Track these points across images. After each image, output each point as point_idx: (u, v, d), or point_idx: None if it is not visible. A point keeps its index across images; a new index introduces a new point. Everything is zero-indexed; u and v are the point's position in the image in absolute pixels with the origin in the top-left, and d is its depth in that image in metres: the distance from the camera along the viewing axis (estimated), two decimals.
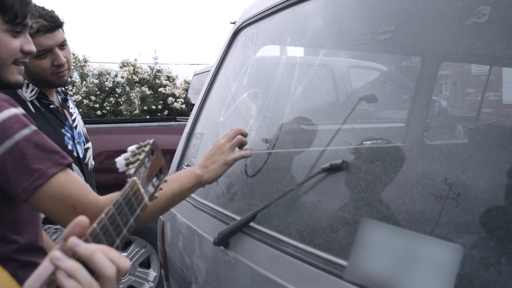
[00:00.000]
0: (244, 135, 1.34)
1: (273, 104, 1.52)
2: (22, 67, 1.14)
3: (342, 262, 0.91)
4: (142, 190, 0.79)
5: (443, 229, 0.87)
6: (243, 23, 1.75)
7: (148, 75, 10.48)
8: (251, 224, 1.19)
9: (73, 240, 0.59)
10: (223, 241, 1.24)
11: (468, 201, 0.87)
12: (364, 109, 1.56)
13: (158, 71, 10.68)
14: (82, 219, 0.62)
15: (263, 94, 1.54)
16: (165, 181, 0.93)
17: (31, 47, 1.14)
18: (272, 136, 1.47)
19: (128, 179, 0.77)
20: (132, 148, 0.85)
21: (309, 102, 1.71)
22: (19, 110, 1.01)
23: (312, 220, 1.04)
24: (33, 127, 1.01)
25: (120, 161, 0.82)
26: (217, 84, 1.81)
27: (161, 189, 0.90)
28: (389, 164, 1.04)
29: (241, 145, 1.34)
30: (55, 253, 0.58)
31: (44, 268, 0.58)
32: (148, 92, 10.10)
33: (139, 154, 0.84)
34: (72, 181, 1.01)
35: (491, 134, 1.40)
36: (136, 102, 10.16)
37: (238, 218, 1.27)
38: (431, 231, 0.87)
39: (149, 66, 10.86)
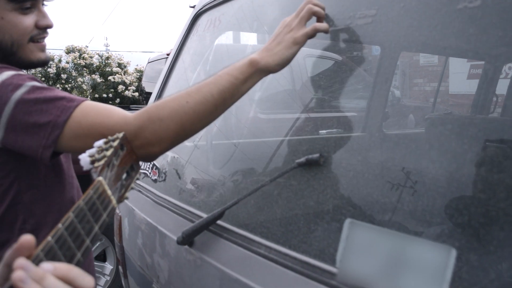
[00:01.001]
0: (320, 6, 1.02)
1: None
2: (43, 43, 1.07)
3: (321, 265, 0.86)
4: (109, 192, 0.69)
5: (417, 221, 0.85)
6: (203, 7, 1.65)
7: (99, 62, 10.13)
8: (219, 222, 1.12)
9: (19, 275, 0.49)
10: (188, 240, 1.16)
11: (427, 190, 0.86)
12: (322, 98, 1.53)
13: (108, 58, 10.32)
14: (26, 238, 0.52)
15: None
16: (138, 179, 0.84)
17: (47, 21, 1.06)
18: (235, 126, 1.40)
19: (93, 178, 0.68)
20: (99, 143, 0.75)
21: (268, 91, 1.66)
22: (12, 72, 0.95)
23: (286, 219, 0.99)
24: (28, 84, 0.93)
25: (84, 158, 0.71)
26: (176, 71, 1.71)
27: (132, 188, 0.81)
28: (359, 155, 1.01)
29: (318, 19, 1.03)
30: (19, 274, 0.49)
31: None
32: (99, 80, 9.75)
33: (106, 150, 0.74)
34: (89, 111, 0.92)
35: (448, 124, 1.41)
36: (88, 91, 9.79)
37: (204, 215, 1.20)
38: (409, 223, 0.85)
39: (97, 53, 10.46)
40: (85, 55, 10.05)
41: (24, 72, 1.00)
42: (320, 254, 0.89)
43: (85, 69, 9.96)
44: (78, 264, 0.58)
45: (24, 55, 1.04)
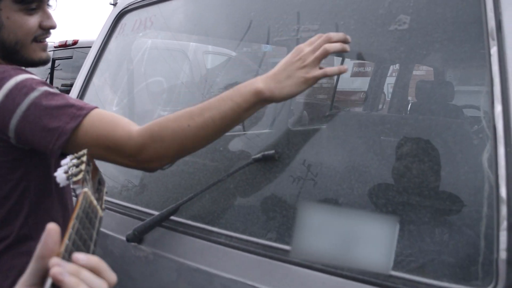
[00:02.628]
0: (342, 40, 0.96)
1: (180, 94, 1.50)
2: (46, 42, 1.10)
3: (277, 245, 0.98)
4: (95, 202, 0.74)
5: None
6: (128, 5, 1.66)
7: None
8: (173, 217, 1.18)
9: (57, 270, 0.52)
10: (139, 237, 1.20)
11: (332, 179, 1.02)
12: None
13: None
14: (53, 227, 0.55)
15: (166, 82, 1.51)
16: (107, 192, 0.87)
17: (51, 22, 1.06)
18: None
19: (78, 192, 0.71)
20: (66, 161, 0.78)
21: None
22: (27, 75, 0.99)
23: (243, 209, 1.09)
24: (41, 88, 0.95)
25: (60, 175, 0.75)
26: (99, 71, 1.68)
27: (105, 200, 0.84)
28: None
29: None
30: (56, 269, 0.52)
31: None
32: None
33: (78, 165, 0.77)
34: (96, 122, 0.95)
35: (348, 120, 1.63)
36: None
37: (150, 212, 1.24)
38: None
39: None
40: None
41: (36, 76, 1.02)
42: (276, 237, 1.01)
43: None
44: None
45: (27, 54, 1.07)
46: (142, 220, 1.22)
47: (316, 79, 0.94)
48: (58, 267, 0.53)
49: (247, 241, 1.02)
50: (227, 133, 1.00)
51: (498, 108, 0.82)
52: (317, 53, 0.93)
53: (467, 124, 0.96)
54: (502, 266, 0.75)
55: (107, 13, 1.79)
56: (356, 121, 1.72)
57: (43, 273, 0.53)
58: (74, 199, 1.19)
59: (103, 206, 0.80)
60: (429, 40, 1.06)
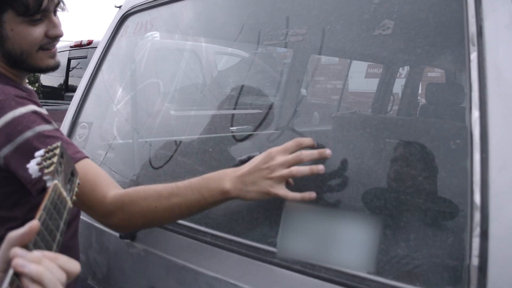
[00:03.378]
0: (316, 158, 0.95)
1: (179, 94, 1.53)
2: (54, 50, 1.13)
3: (263, 246, 1.00)
4: (64, 194, 0.76)
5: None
6: (131, 8, 1.70)
7: None
8: None
9: (18, 262, 0.55)
10: (133, 233, 1.23)
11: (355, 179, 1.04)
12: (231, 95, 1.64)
13: None
14: (35, 224, 0.59)
15: (164, 83, 1.54)
16: (79, 183, 0.90)
17: (57, 31, 1.09)
18: (174, 125, 1.48)
19: (48, 184, 0.74)
20: (40, 153, 0.81)
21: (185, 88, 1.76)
22: (27, 108, 1.01)
23: (230, 210, 1.11)
24: (37, 129, 0.99)
25: (32, 167, 0.77)
26: (104, 72, 1.73)
27: (77, 191, 0.87)
28: None
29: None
30: (17, 260, 0.55)
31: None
32: None
33: (51, 157, 0.80)
34: (80, 175, 0.95)
35: (354, 122, 1.64)
36: None
37: None
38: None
39: None
40: None
41: (38, 108, 1.04)
42: (262, 238, 1.03)
43: None
44: None
45: (33, 62, 1.10)
46: None
47: (277, 196, 0.94)
48: (19, 259, 0.56)
49: (231, 240, 1.05)
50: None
51: (475, 114, 0.82)
52: (285, 172, 0.93)
53: (447, 128, 0.96)
54: (473, 273, 0.76)
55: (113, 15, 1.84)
56: (347, 122, 1.72)
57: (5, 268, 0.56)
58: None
59: (74, 196, 0.83)
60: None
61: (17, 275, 0.54)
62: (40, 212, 0.65)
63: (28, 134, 0.98)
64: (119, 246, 1.32)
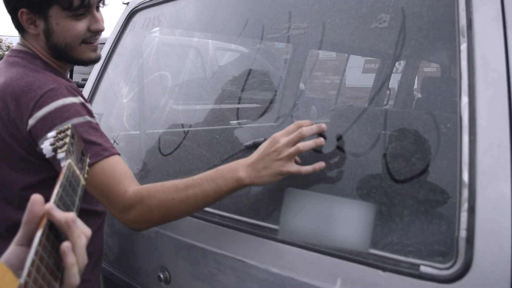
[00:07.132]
0: (317, 133, 1.03)
1: (184, 87, 1.59)
2: (96, 43, 1.20)
3: (266, 225, 1.07)
4: (77, 172, 0.81)
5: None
6: (139, 4, 1.76)
7: None
8: None
9: (50, 205, 0.60)
10: None
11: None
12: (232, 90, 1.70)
13: None
14: (36, 197, 0.62)
15: (172, 76, 1.61)
16: (89, 163, 0.95)
17: (99, 25, 1.16)
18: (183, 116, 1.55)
19: (62, 163, 0.79)
20: (52, 133, 0.84)
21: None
22: (77, 99, 1.07)
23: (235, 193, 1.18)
24: (82, 119, 1.05)
25: (46, 147, 0.81)
26: (112, 66, 1.80)
27: (88, 171, 0.92)
28: None
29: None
30: (49, 204, 0.60)
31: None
32: None
33: (63, 138, 0.85)
34: (107, 170, 1.04)
35: (351, 115, 1.70)
36: None
37: None
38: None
39: None
40: None
41: (87, 104, 1.13)
42: (266, 217, 1.10)
43: None
44: None
45: (76, 54, 1.18)
46: None
47: (290, 173, 1.01)
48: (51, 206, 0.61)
49: (237, 220, 1.12)
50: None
51: (465, 100, 0.89)
52: (292, 150, 1.00)
53: (438, 115, 1.03)
54: (461, 244, 0.83)
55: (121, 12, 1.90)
56: (346, 113, 1.78)
57: (31, 236, 0.60)
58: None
59: (86, 175, 0.89)
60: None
61: (51, 227, 0.60)
62: (57, 189, 0.70)
63: (76, 120, 1.05)
64: (130, 230, 1.38)
